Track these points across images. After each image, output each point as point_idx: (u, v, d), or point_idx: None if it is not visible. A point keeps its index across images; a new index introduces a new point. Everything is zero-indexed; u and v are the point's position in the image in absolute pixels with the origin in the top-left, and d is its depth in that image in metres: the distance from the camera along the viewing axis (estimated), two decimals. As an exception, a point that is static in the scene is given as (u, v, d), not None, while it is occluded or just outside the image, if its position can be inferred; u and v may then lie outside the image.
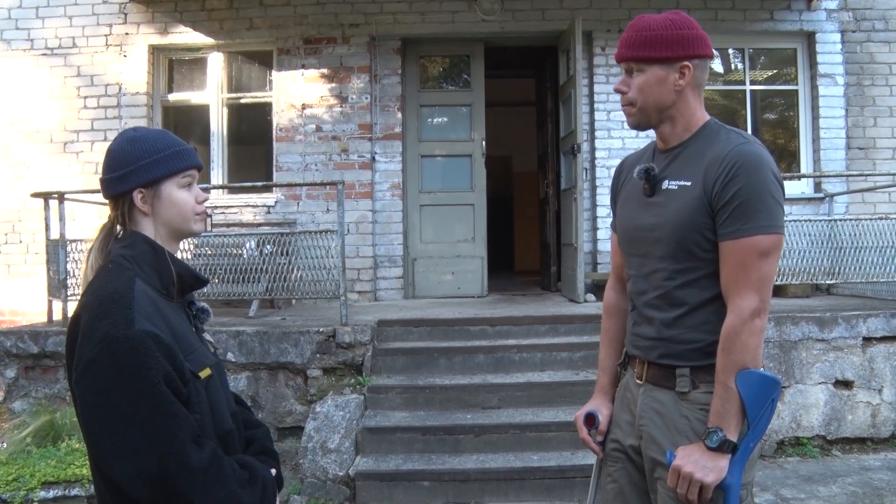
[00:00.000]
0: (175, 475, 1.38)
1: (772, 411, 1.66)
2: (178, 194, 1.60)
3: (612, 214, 2.06)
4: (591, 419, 1.99)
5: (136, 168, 1.55)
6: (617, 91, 1.83)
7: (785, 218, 1.73)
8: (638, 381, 1.86)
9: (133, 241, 1.56)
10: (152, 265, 1.55)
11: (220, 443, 1.53)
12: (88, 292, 1.50)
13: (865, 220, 5.62)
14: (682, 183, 1.76)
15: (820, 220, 5.76)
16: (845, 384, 4.96)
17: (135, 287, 1.47)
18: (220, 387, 1.62)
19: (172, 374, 1.42)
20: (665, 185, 1.80)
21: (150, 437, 1.38)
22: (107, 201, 1.61)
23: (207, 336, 1.73)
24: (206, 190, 6.87)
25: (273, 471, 1.65)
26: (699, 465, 1.63)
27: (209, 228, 1.71)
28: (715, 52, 7.51)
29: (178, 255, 1.68)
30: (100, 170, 1.62)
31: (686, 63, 1.74)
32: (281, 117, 7.02)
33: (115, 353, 1.38)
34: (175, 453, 1.38)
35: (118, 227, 1.60)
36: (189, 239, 5.60)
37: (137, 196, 1.56)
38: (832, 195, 6.87)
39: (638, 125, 1.84)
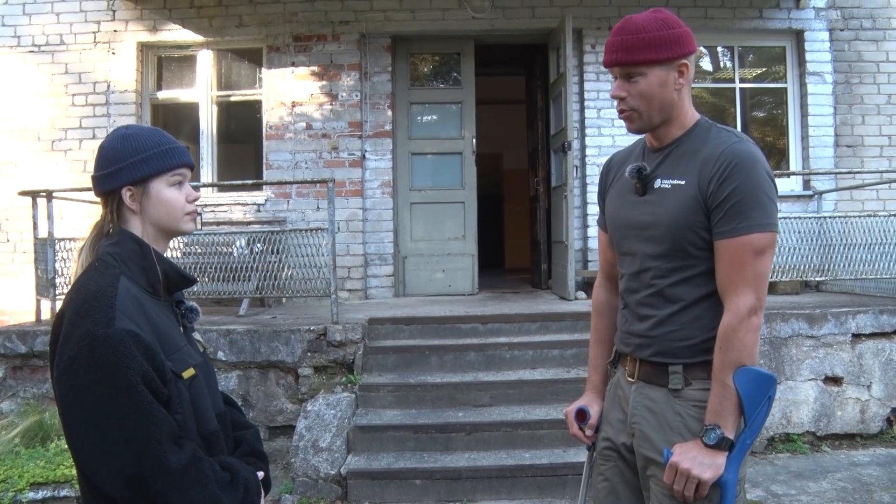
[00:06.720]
0: (152, 475, 1.37)
1: (768, 408, 1.66)
2: (167, 193, 1.58)
3: (600, 212, 2.05)
4: (581, 414, 2.00)
5: (125, 165, 1.54)
6: (615, 98, 1.79)
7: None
8: (630, 379, 1.85)
9: (120, 239, 1.55)
10: (138, 263, 1.53)
11: (204, 444, 1.52)
12: (73, 290, 1.48)
13: (854, 217, 5.65)
14: (675, 182, 1.75)
15: (809, 218, 5.78)
16: (835, 380, 4.99)
17: (118, 285, 1.45)
18: (204, 387, 1.60)
19: (151, 374, 1.41)
20: (658, 183, 1.78)
21: (126, 436, 1.37)
22: (98, 199, 1.59)
23: (197, 336, 1.71)
24: (196, 188, 6.90)
25: (260, 473, 1.63)
26: (696, 461, 1.63)
27: (199, 227, 1.69)
28: (703, 49, 7.64)
29: (167, 254, 1.66)
30: (88, 167, 1.62)
31: (685, 62, 1.73)
32: (271, 115, 7.00)
33: (95, 352, 1.37)
34: (152, 453, 1.37)
35: (109, 225, 1.58)
36: (178, 237, 5.64)
37: (126, 193, 1.55)
38: (821, 192, 6.91)
39: (641, 130, 1.81)
